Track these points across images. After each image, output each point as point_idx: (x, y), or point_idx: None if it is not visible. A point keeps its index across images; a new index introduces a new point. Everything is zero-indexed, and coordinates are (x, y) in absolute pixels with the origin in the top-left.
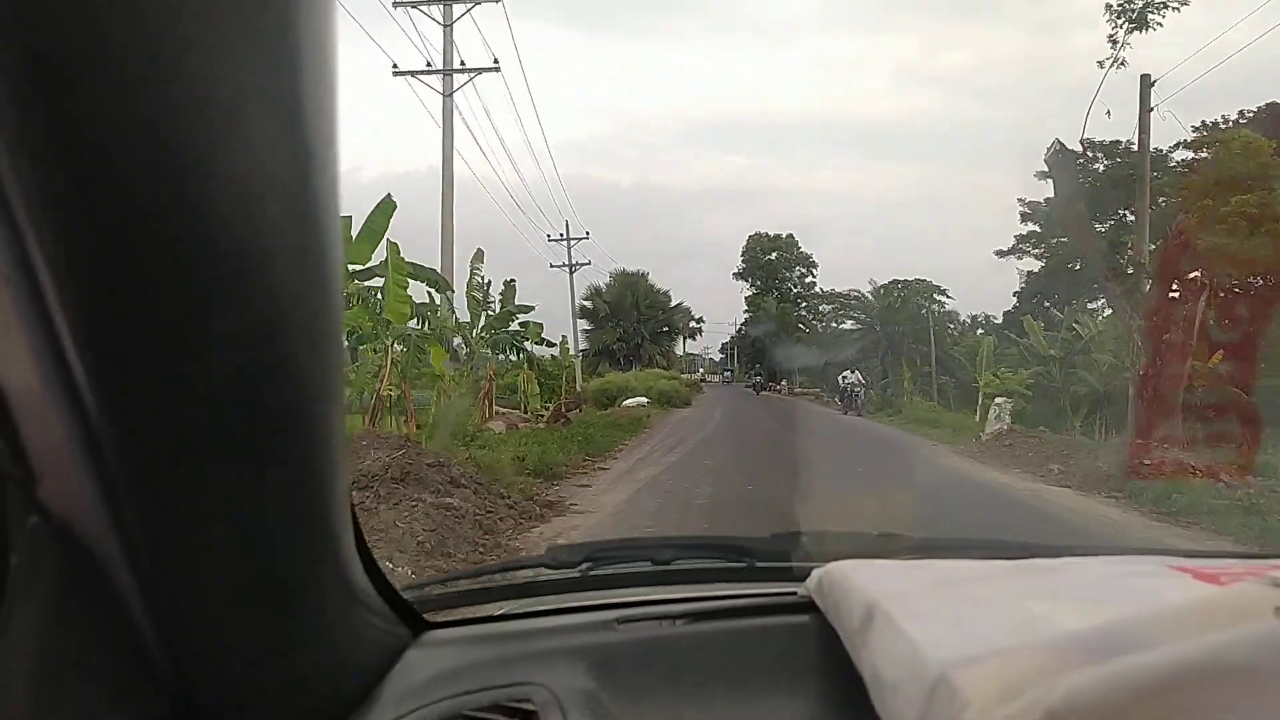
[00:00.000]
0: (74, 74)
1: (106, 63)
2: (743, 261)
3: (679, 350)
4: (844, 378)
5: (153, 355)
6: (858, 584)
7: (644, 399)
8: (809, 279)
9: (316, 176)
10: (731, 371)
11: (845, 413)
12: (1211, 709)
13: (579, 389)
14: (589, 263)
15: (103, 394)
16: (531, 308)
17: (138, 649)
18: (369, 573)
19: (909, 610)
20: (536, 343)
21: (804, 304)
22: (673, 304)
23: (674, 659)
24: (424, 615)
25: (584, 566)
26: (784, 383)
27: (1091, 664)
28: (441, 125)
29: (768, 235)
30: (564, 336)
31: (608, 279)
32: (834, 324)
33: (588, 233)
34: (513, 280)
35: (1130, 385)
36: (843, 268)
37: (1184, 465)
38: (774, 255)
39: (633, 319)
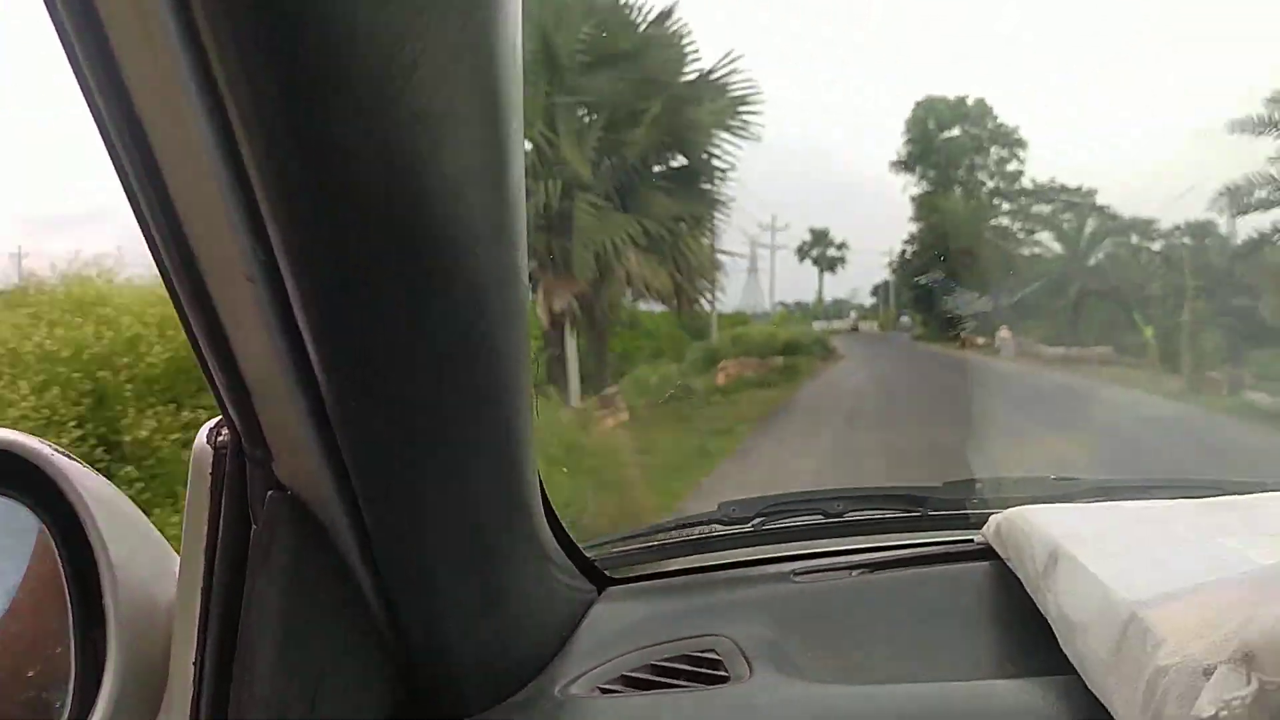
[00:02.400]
0: (318, 97)
1: (347, 85)
2: (906, 143)
3: (722, 244)
4: None
5: (378, 339)
6: (1039, 528)
7: None
8: (1012, 166)
9: (511, 171)
10: (909, 317)
11: None
12: None
13: None
14: None
15: (335, 377)
16: None
17: (363, 611)
18: (555, 533)
19: (1095, 552)
20: None
21: (1006, 203)
22: (690, 69)
23: (854, 609)
24: (605, 572)
25: (756, 521)
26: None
27: None
28: None
29: (946, 101)
30: None
31: None
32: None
33: None
34: None
35: None
36: None
37: None
38: (957, 131)
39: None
